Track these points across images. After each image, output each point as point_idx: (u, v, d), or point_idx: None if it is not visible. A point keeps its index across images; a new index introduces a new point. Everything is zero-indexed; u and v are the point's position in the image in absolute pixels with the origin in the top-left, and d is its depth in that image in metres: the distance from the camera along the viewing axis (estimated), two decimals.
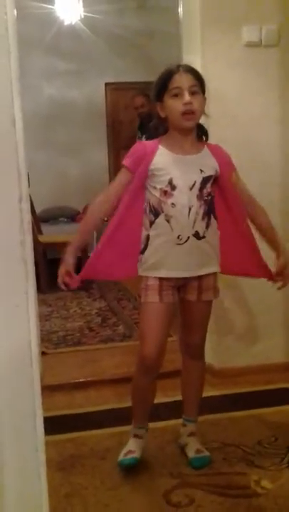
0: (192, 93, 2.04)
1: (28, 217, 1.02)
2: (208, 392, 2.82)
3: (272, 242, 2.25)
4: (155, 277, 2.12)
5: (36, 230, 5.40)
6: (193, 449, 2.28)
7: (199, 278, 2.17)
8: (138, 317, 2.18)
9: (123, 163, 2.16)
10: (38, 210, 5.92)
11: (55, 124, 6.32)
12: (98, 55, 6.37)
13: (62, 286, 2.20)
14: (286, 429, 2.49)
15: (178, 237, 2.09)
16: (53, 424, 2.61)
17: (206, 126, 2.24)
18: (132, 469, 2.20)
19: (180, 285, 2.17)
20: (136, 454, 2.23)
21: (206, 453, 2.28)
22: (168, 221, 2.09)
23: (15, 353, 0.97)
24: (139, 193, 2.13)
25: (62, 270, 2.18)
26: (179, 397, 2.82)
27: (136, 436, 2.29)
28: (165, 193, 2.09)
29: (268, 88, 3.02)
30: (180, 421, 2.49)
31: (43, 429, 1.01)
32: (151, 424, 2.39)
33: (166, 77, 2.07)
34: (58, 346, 3.75)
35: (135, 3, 6.60)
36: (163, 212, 2.09)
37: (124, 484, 2.13)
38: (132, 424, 2.32)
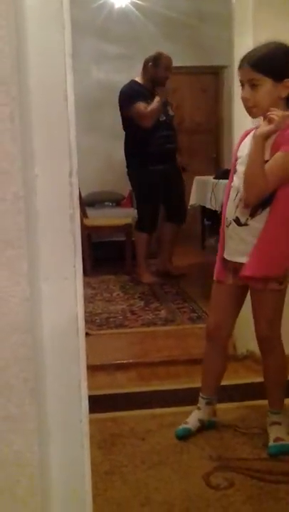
0: (253, 86, 2.00)
1: (76, 192, 1.02)
2: (250, 379, 2.82)
3: None
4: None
5: (82, 214, 5.44)
6: (272, 438, 2.25)
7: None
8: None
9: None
10: (83, 194, 5.97)
11: (103, 108, 6.33)
12: (147, 38, 6.33)
13: None
14: None
15: (226, 219, 2.16)
16: (95, 403, 2.62)
17: None
18: (184, 439, 2.31)
19: (239, 268, 2.12)
20: (189, 425, 2.34)
21: (287, 441, 2.24)
22: (226, 203, 2.17)
23: (63, 324, 0.98)
24: None
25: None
26: (222, 383, 2.83)
27: (197, 408, 2.38)
28: (233, 174, 2.16)
29: None
30: (221, 406, 2.50)
31: (87, 401, 1.02)
32: (189, 408, 2.40)
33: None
34: (101, 328, 3.79)
35: None
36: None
37: (164, 465, 2.15)
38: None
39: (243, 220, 2.08)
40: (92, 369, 3.04)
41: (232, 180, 2.17)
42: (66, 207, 0.99)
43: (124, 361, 3.16)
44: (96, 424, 2.44)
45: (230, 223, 2.12)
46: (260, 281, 2.11)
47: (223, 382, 2.77)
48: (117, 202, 6.51)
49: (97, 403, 2.65)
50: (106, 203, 6.45)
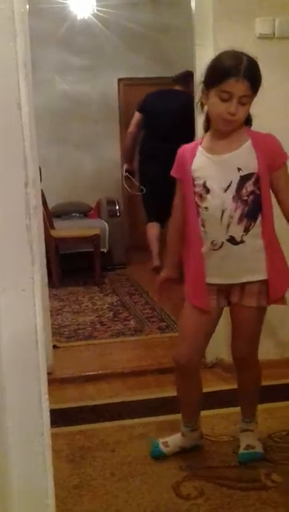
0: (242, 103, 1.89)
1: (34, 202, 1.01)
2: (219, 386, 2.82)
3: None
4: None
5: (49, 225, 5.41)
6: (243, 444, 2.24)
7: (242, 283, 2.05)
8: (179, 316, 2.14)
9: (172, 173, 2.12)
10: (50, 206, 5.93)
11: (68, 119, 6.32)
12: (111, 50, 6.35)
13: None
14: None
15: (212, 242, 2.01)
16: (64, 416, 2.62)
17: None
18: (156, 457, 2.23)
19: (225, 290, 2.08)
20: (166, 449, 2.24)
21: (257, 449, 2.22)
22: (203, 226, 2.01)
23: (21, 337, 0.96)
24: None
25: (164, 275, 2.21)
26: None
27: (182, 434, 2.27)
28: (200, 197, 2.00)
29: (282, 81, 2.98)
30: None
31: (48, 414, 1.01)
32: (162, 418, 2.39)
33: (222, 76, 1.87)
34: (70, 340, 3.75)
35: None
36: (200, 216, 2.02)
37: (134, 476, 2.13)
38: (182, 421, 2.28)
39: (238, 237, 1.98)
40: (61, 382, 3.03)
41: (201, 200, 2.00)
42: (22, 217, 0.98)
43: (94, 373, 3.13)
44: (65, 438, 2.41)
45: (223, 245, 2.00)
46: (280, 299, 2.08)
47: None
48: (85, 213, 6.49)
49: (66, 416, 2.63)
50: (74, 214, 6.42)
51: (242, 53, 1.94)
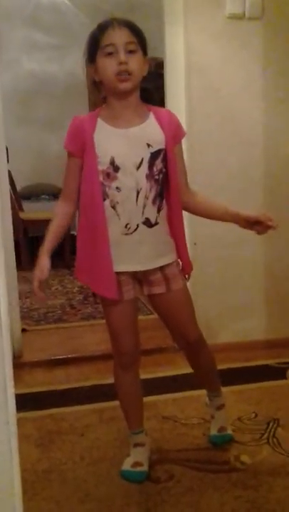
0: (129, 51, 1.75)
1: None
2: (188, 369, 2.82)
3: (230, 210, 1.94)
4: None
5: (17, 207, 5.33)
6: (216, 426, 2.22)
7: (161, 268, 1.92)
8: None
9: (65, 147, 1.89)
10: (18, 187, 5.85)
11: (36, 99, 6.20)
12: (79, 28, 6.23)
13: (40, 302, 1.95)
14: (266, 406, 2.49)
15: (126, 226, 1.84)
16: (33, 401, 2.60)
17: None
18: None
19: (141, 279, 1.94)
20: (145, 467, 2.03)
21: (229, 431, 2.22)
22: (113, 208, 1.83)
23: None
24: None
25: (35, 284, 1.89)
26: (159, 374, 2.83)
27: (137, 445, 2.08)
28: (108, 175, 1.81)
29: (250, 61, 2.97)
30: (160, 397, 2.50)
31: (14, 401, 0.98)
32: None
33: (98, 33, 1.77)
34: (39, 323, 3.72)
35: None
36: (108, 198, 1.82)
37: (103, 460, 2.12)
38: (129, 431, 2.10)
39: (153, 219, 1.86)
40: (30, 365, 3.01)
41: (109, 179, 1.81)
42: None
43: (62, 356, 3.11)
44: (34, 422, 2.40)
45: (137, 228, 1.85)
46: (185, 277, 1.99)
47: (162, 374, 2.79)
48: (54, 195, 6.39)
49: (35, 400, 2.61)
50: (42, 196, 6.33)
51: (113, 16, 1.83)
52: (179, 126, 1.92)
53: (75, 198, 1.91)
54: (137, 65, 1.78)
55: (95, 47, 1.79)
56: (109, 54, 1.76)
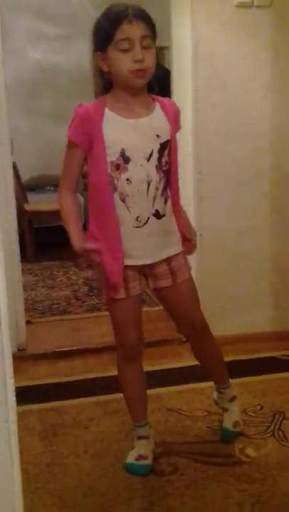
0: (144, 47, 1.71)
1: None
2: (193, 361, 2.80)
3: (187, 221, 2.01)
4: None
5: (22, 199, 5.31)
6: (231, 420, 2.17)
7: (167, 260, 1.91)
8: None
9: (70, 138, 1.84)
10: (24, 179, 5.81)
11: (41, 90, 6.15)
12: (85, 18, 6.17)
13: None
14: (271, 398, 2.47)
15: (136, 218, 1.81)
16: (37, 393, 2.59)
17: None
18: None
19: (146, 272, 1.93)
20: (149, 461, 2.00)
21: (241, 427, 2.19)
22: (123, 200, 1.80)
23: None
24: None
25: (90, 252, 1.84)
26: (164, 366, 2.81)
27: (141, 437, 2.05)
28: (117, 167, 1.77)
29: (258, 51, 2.93)
30: (164, 389, 2.48)
31: (14, 399, 0.96)
32: None
33: (113, 24, 1.70)
34: (44, 315, 3.70)
35: None
36: (117, 190, 1.79)
37: (107, 453, 2.11)
38: (133, 423, 2.07)
39: (162, 211, 1.85)
40: (34, 358, 2.99)
41: (119, 172, 1.78)
42: None
43: (67, 348, 3.09)
44: (37, 415, 2.39)
45: (148, 220, 1.82)
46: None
47: (167, 366, 2.77)
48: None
49: (39, 393, 2.60)
50: (48, 188, 6.29)
51: (124, 3, 1.77)
52: (179, 116, 1.93)
53: (76, 188, 1.92)
54: (152, 60, 1.75)
55: (107, 38, 1.73)
56: (125, 50, 1.71)
